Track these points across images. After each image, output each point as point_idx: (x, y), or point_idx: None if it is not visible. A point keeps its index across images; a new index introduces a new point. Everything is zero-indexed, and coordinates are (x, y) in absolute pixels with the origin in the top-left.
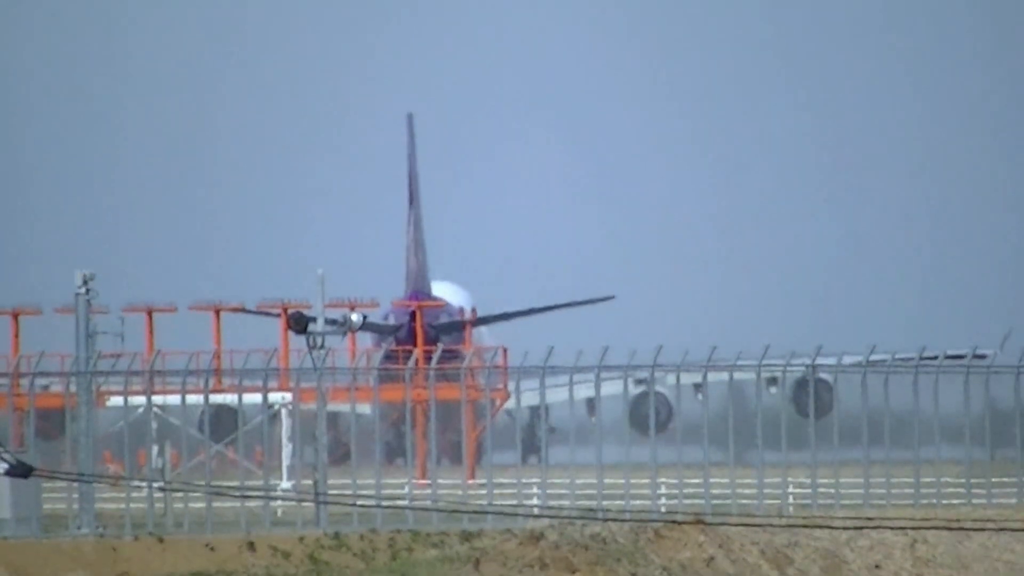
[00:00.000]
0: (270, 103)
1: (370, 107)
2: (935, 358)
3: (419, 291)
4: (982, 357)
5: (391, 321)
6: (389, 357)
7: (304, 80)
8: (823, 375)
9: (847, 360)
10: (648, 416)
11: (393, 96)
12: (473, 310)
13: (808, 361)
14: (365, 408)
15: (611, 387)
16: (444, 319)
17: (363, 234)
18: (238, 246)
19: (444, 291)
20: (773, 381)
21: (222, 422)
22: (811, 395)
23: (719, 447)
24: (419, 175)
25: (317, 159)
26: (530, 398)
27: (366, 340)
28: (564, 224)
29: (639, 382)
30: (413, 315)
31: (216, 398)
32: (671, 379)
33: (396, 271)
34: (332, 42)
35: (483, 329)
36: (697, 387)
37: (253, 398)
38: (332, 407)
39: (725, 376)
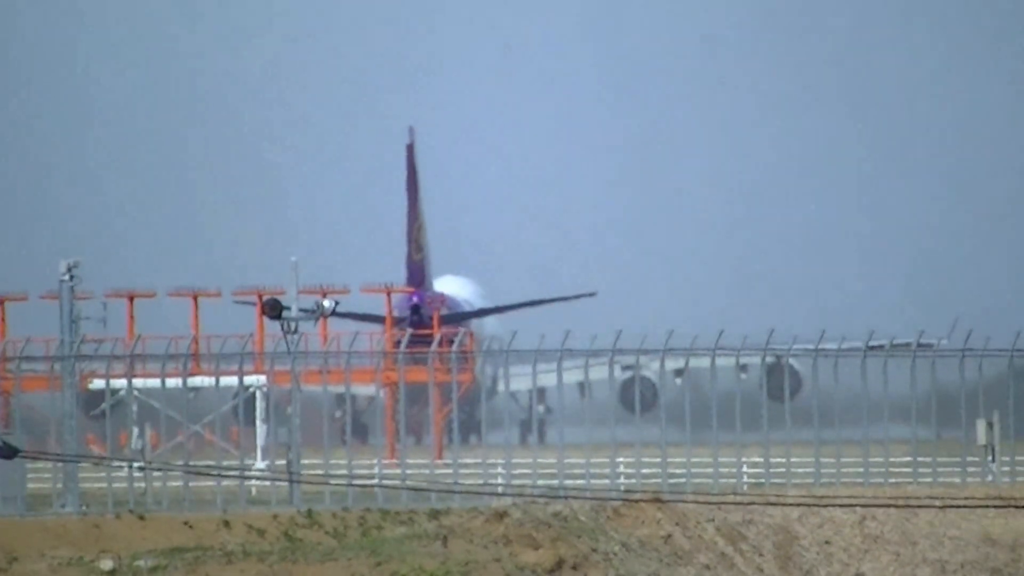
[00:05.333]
0: (263, 95)
1: (370, 105)
2: (883, 347)
3: (413, 283)
4: (928, 346)
5: (398, 315)
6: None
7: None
8: (790, 361)
9: (798, 347)
10: (637, 398)
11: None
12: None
13: (762, 346)
14: (368, 390)
15: (599, 372)
16: (444, 312)
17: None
18: (221, 234)
19: (452, 284)
20: (744, 367)
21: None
22: (763, 379)
23: (683, 428)
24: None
25: (315, 151)
26: (522, 382)
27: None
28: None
29: (626, 368)
30: (416, 307)
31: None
32: (655, 365)
33: (397, 261)
34: (334, 41)
35: (489, 319)
36: (678, 372)
37: (233, 381)
38: (340, 389)
39: (701, 362)
